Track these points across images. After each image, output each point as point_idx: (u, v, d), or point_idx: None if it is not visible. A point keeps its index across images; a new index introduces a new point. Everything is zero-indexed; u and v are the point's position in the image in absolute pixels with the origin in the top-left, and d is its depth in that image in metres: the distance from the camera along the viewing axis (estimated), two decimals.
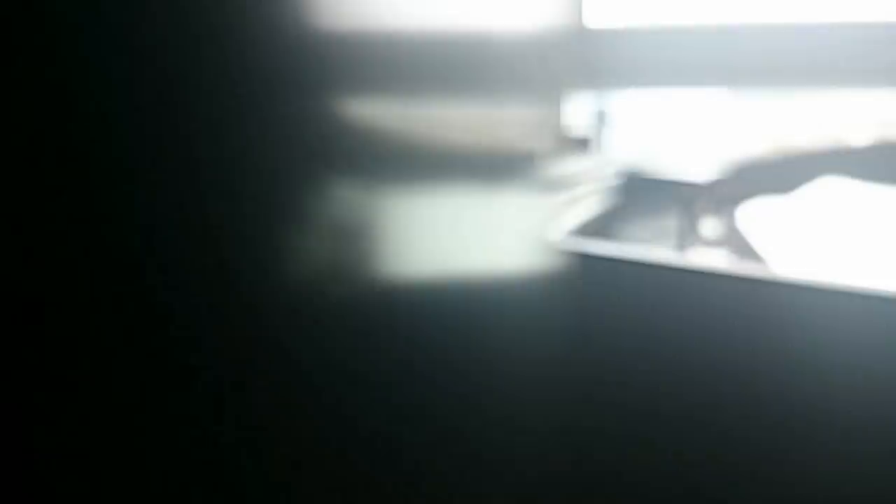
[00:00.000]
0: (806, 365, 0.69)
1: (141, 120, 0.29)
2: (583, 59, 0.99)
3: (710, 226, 0.97)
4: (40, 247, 0.26)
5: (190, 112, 0.31)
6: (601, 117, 1.04)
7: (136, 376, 0.30)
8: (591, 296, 0.77)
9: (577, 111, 1.03)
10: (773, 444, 0.71)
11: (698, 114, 1.01)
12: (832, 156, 0.92)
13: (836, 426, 0.69)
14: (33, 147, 0.25)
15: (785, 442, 0.71)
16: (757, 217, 0.93)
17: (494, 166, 0.60)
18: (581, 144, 1.03)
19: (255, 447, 0.37)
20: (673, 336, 0.74)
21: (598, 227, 0.99)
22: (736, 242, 0.94)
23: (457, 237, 0.55)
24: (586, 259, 0.77)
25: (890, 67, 0.89)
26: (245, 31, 0.33)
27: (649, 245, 1.00)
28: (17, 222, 0.25)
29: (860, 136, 0.92)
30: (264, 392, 0.37)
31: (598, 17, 0.99)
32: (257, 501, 0.38)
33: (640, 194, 1.01)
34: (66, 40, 0.25)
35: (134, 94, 0.28)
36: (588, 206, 0.98)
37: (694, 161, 1.01)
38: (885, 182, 0.90)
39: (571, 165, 0.97)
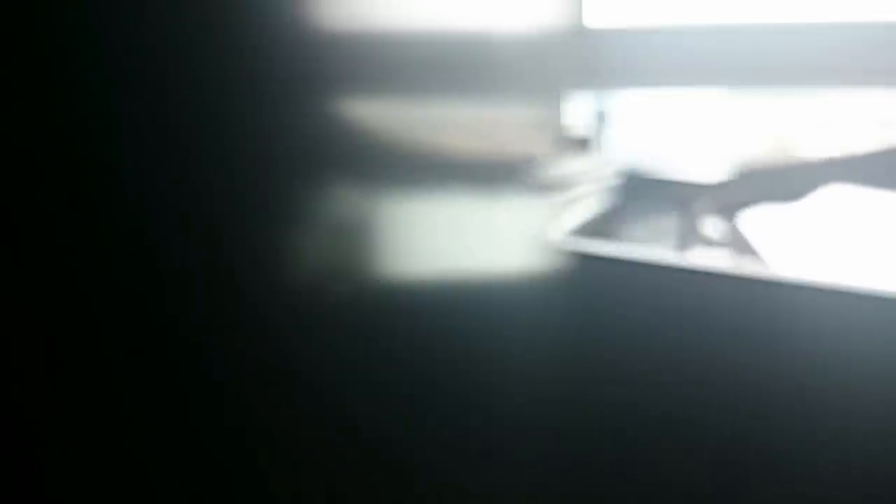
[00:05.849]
0: (806, 365, 0.69)
1: (141, 120, 0.29)
2: (583, 59, 0.99)
3: (710, 226, 0.97)
4: (40, 247, 0.26)
5: (190, 112, 0.31)
6: (601, 117, 1.04)
7: (136, 376, 0.30)
8: (591, 296, 0.77)
9: (577, 111, 1.03)
10: (774, 443, 0.71)
11: (698, 114, 1.01)
12: (836, 163, 0.92)
13: (836, 426, 0.69)
14: (34, 147, 0.25)
15: (785, 441, 0.71)
16: (759, 222, 0.93)
17: (494, 166, 0.60)
18: (581, 144, 1.03)
19: (256, 447, 0.37)
20: (673, 336, 0.74)
21: (598, 227, 0.99)
22: (736, 243, 0.94)
23: (457, 237, 0.55)
24: (586, 259, 0.77)
25: (890, 68, 0.89)
26: (246, 31, 0.33)
27: (649, 245, 1.00)
28: (16, 223, 0.25)
29: (863, 140, 0.92)
30: (264, 391, 0.37)
31: (598, 17, 0.98)
32: (257, 501, 0.38)
33: (640, 194, 1.01)
34: (66, 40, 0.25)
35: (134, 94, 0.28)
36: (588, 206, 0.97)
37: (694, 161, 1.01)
38: (890, 188, 0.90)
39: (571, 165, 0.97)
